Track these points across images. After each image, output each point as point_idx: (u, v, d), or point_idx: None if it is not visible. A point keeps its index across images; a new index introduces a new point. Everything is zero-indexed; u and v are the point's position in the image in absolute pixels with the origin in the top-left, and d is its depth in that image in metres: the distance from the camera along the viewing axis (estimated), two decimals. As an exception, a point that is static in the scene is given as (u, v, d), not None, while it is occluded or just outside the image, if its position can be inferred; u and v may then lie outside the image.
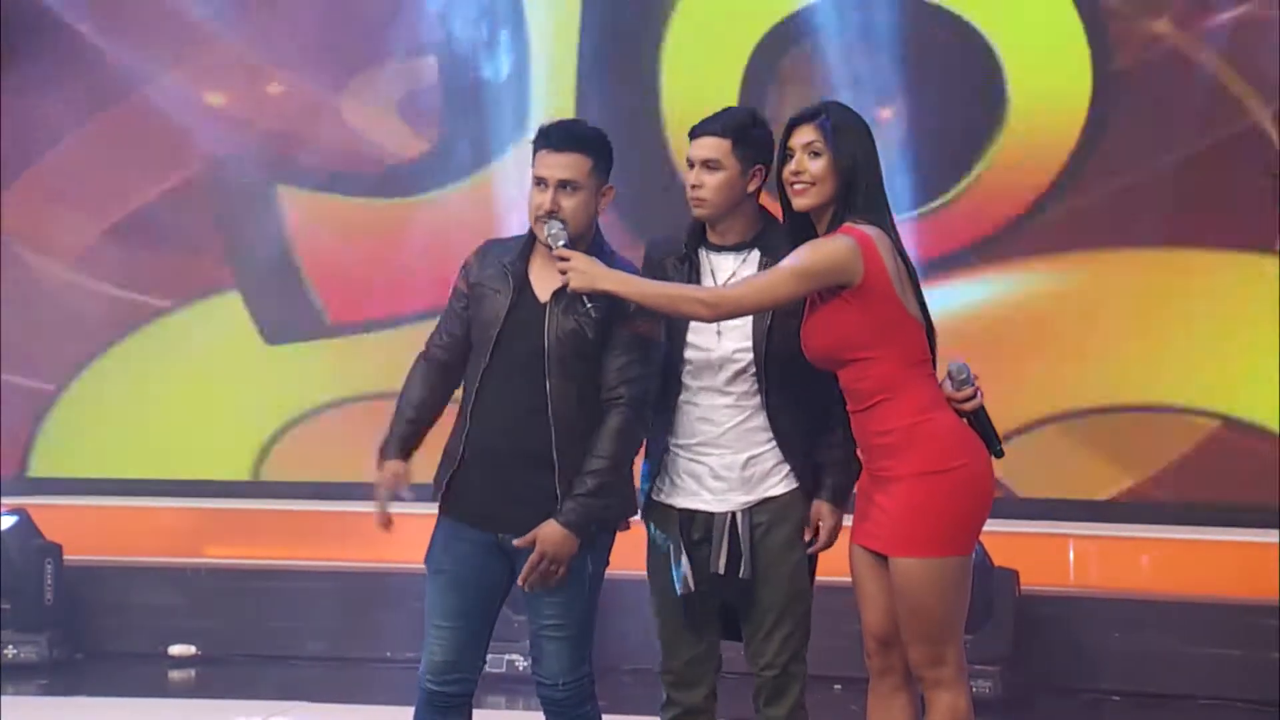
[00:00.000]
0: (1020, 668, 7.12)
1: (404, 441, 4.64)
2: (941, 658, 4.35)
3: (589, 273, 4.39)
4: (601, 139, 4.58)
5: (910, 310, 4.36)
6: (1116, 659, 7.20)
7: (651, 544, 4.72)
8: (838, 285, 4.31)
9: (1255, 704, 6.94)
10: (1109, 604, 7.34)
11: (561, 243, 4.46)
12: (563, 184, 4.50)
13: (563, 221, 4.48)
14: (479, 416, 4.56)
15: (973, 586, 4.42)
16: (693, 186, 4.59)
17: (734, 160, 4.57)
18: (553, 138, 4.54)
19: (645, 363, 4.54)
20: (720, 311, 4.40)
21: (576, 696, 4.60)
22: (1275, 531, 7.19)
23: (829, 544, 4.65)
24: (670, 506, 4.66)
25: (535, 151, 4.57)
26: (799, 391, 4.59)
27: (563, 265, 4.42)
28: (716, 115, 4.64)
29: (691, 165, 4.60)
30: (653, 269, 4.68)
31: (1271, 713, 6.83)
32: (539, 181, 4.53)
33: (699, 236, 4.69)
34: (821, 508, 4.62)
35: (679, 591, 4.63)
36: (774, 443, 4.59)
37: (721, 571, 4.60)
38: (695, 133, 4.62)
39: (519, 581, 4.50)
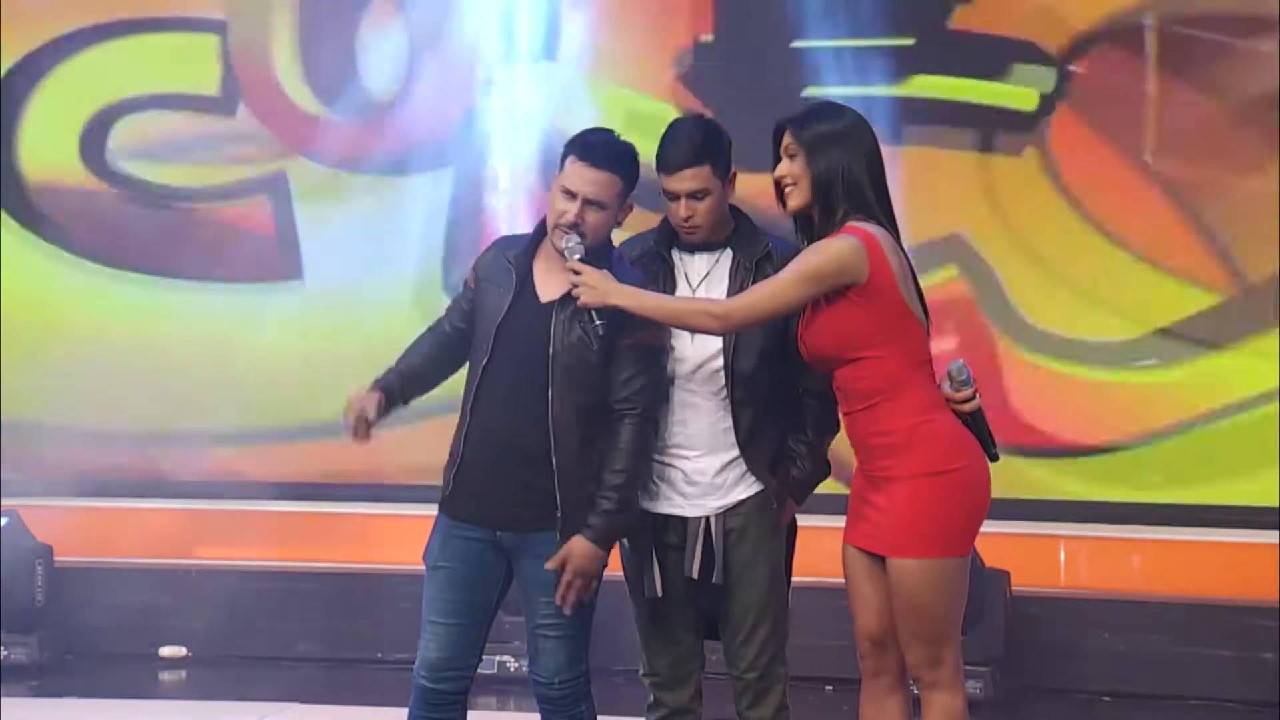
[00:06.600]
0: (1011, 669, 7.12)
1: (388, 384, 4.65)
2: (939, 659, 4.35)
3: (600, 288, 4.38)
4: (633, 157, 4.55)
5: (913, 309, 4.35)
6: (1107, 660, 7.20)
7: (626, 548, 4.72)
8: (844, 285, 4.30)
9: (1249, 705, 6.95)
10: (1100, 605, 7.35)
11: (577, 256, 4.45)
12: (590, 201, 4.48)
13: (582, 235, 4.48)
14: (478, 413, 4.55)
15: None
16: (685, 219, 4.56)
17: (716, 181, 4.56)
18: (594, 154, 4.50)
19: (653, 370, 4.54)
20: (730, 324, 4.39)
21: (572, 695, 4.61)
22: (1268, 532, 7.18)
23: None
24: (644, 511, 4.65)
25: (566, 156, 4.53)
26: (765, 398, 4.59)
27: (575, 279, 4.41)
28: (680, 140, 4.55)
29: (675, 197, 4.56)
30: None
31: (1267, 713, 6.84)
32: (568, 192, 4.50)
33: (670, 237, 4.67)
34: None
35: (646, 595, 4.65)
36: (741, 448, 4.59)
37: (696, 576, 4.60)
38: (671, 166, 4.53)
39: (557, 601, 4.50)
